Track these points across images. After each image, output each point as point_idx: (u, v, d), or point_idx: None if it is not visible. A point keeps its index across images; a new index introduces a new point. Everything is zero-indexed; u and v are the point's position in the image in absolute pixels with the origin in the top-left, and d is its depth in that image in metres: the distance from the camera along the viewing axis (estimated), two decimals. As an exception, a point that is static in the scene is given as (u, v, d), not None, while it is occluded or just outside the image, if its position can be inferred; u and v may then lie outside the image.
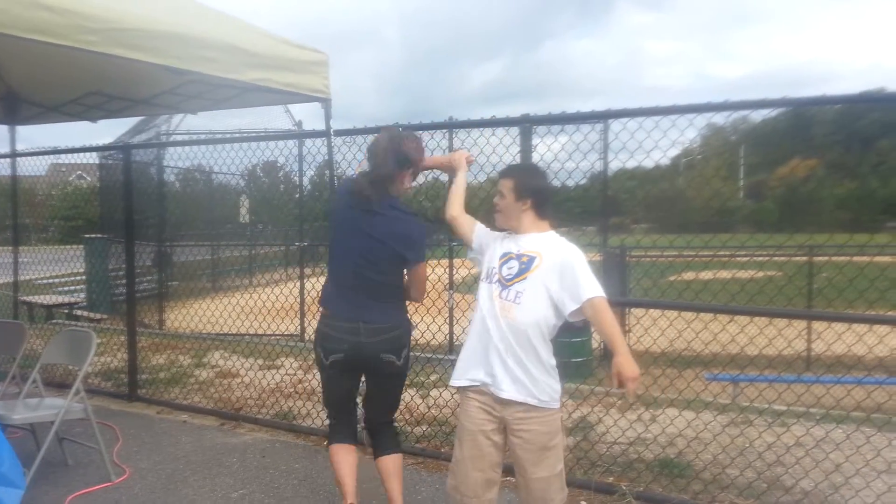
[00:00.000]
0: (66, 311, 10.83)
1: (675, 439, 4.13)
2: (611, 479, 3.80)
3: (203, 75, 3.77)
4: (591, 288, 2.61)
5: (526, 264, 2.70)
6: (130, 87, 5.03)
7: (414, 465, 4.22)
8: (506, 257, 2.76)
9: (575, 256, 2.71)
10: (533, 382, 2.62)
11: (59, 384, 5.64)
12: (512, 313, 2.65)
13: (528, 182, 2.80)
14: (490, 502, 2.73)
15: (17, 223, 6.99)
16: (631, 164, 5.46)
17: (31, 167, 7.00)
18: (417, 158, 3.19)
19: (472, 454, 2.71)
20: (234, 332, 7.72)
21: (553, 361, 2.71)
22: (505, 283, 2.70)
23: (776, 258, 11.64)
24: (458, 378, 2.78)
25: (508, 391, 2.63)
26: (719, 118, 3.94)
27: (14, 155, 6.41)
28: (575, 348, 8.27)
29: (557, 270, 2.66)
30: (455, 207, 3.08)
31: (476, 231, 2.98)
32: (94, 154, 11.94)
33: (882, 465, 3.70)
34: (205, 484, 3.96)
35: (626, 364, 2.48)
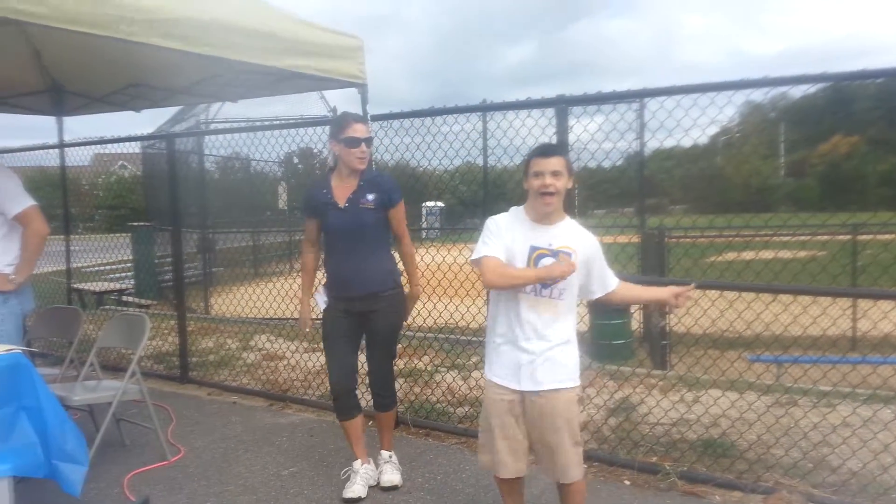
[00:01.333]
0: (115, 297, 11.14)
1: (719, 420, 4.12)
2: (654, 459, 3.82)
3: (241, 63, 3.84)
4: (613, 276, 2.86)
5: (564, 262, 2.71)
6: (171, 77, 5.13)
7: (457, 444, 4.29)
8: (539, 252, 2.72)
9: (597, 247, 2.82)
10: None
11: (113, 367, 5.83)
12: (554, 308, 2.72)
13: (566, 156, 2.78)
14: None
15: (67, 212, 7.19)
16: (669, 144, 5.41)
17: (76, 157, 7.20)
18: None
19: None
20: (277, 316, 7.86)
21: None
22: (545, 283, 2.70)
23: (819, 237, 11.41)
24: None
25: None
26: (758, 95, 3.88)
27: (62, 145, 6.60)
28: (615, 330, 8.26)
29: (587, 264, 2.77)
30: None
31: (500, 252, 2.81)
32: (136, 144, 12.27)
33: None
34: (256, 462, 4.09)
35: (669, 292, 2.80)
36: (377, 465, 3.70)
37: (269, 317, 8.05)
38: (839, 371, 5.55)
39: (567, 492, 2.82)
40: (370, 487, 3.61)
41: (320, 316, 3.62)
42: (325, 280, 3.61)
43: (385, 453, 3.73)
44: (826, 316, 5.51)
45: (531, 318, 2.71)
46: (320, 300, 3.58)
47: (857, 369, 6.18)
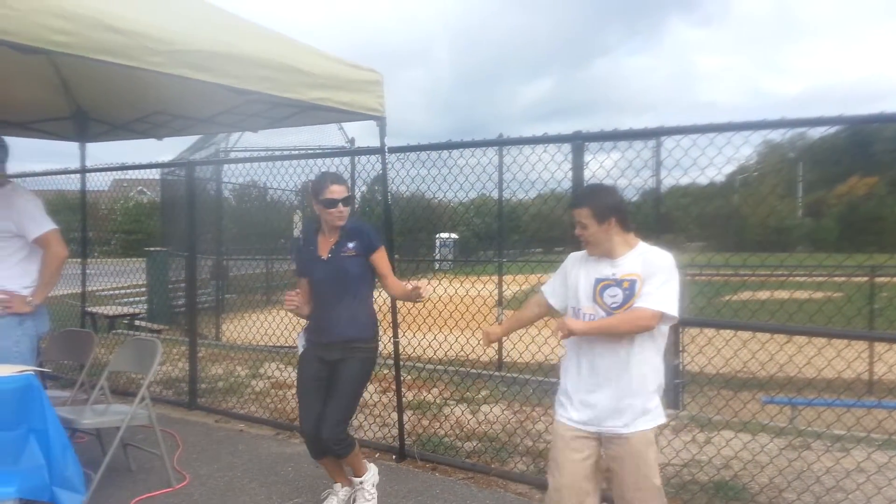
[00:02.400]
0: (126, 321, 11.21)
1: (731, 461, 4.06)
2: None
3: (263, 94, 3.90)
4: (647, 301, 2.62)
5: (629, 290, 2.68)
6: (193, 106, 5.23)
7: (464, 479, 4.24)
8: (603, 283, 2.72)
9: (660, 268, 2.68)
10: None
11: (122, 392, 5.85)
12: (623, 340, 2.67)
13: (605, 202, 2.73)
14: None
15: (85, 236, 7.28)
16: (685, 182, 5.40)
17: (95, 182, 7.31)
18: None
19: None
20: (288, 344, 7.87)
21: None
22: (611, 311, 2.69)
23: (835, 278, 11.31)
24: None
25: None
26: (776, 135, 3.91)
27: (84, 171, 6.70)
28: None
29: (647, 282, 2.66)
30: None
31: (551, 294, 2.96)
32: (155, 170, 12.44)
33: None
34: (261, 491, 4.07)
35: (575, 323, 2.69)
36: (353, 493, 3.73)
37: (279, 345, 8.08)
38: (854, 415, 5.46)
39: None
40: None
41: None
42: (306, 324, 3.71)
43: (356, 479, 3.74)
44: (841, 358, 5.46)
45: (600, 352, 2.70)
46: (300, 343, 3.68)
47: (871, 413, 6.09)
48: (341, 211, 3.50)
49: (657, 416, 2.73)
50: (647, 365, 2.70)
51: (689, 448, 4.35)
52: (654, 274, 2.66)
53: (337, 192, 3.48)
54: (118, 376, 6.06)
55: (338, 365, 3.54)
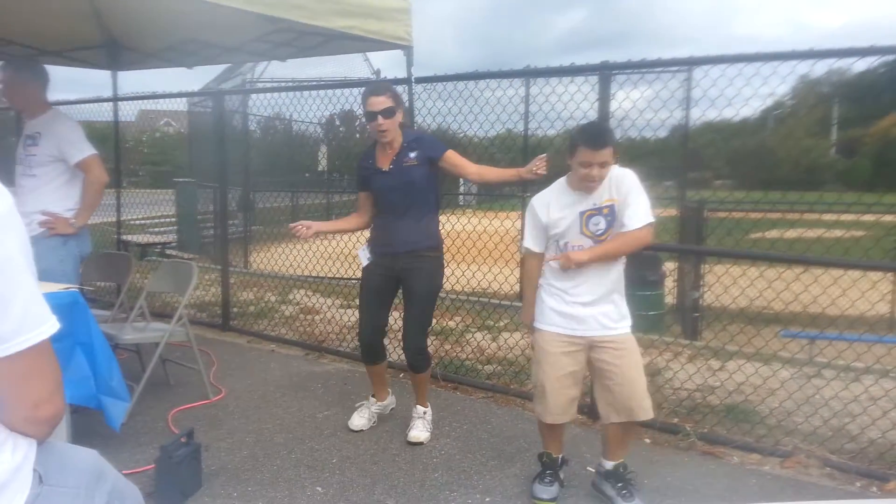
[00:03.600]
0: (158, 249, 11.50)
1: (742, 386, 4.19)
2: (675, 421, 3.92)
3: (293, 22, 3.95)
4: (630, 220, 2.82)
5: (610, 215, 2.87)
6: (223, 35, 5.27)
7: (484, 398, 4.44)
8: (587, 213, 2.89)
9: (630, 185, 2.84)
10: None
11: (157, 314, 6.09)
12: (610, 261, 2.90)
13: (613, 141, 2.84)
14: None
15: (119, 167, 7.43)
16: (715, 117, 5.35)
17: (122, 114, 7.36)
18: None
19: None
20: (314, 274, 8.08)
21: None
22: (598, 239, 2.88)
23: (864, 219, 11.16)
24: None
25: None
26: (811, 70, 3.80)
27: (116, 99, 6.81)
28: (649, 302, 8.29)
29: (624, 202, 2.85)
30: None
31: (535, 246, 3.06)
32: (182, 101, 12.51)
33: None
34: (293, 405, 4.30)
35: (578, 254, 2.85)
36: (411, 419, 3.85)
37: (306, 275, 8.29)
38: (874, 353, 5.53)
39: (623, 428, 3.01)
40: (400, 437, 3.81)
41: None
42: (369, 237, 3.74)
43: (420, 408, 3.85)
44: (864, 300, 5.50)
45: (587, 274, 2.89)
46: (363, 256, 3.70)
47: (891, 351, 6.14)
48: (381, 124, 3.43)
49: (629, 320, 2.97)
50: (619, 272, 2.95)
51: (703, 373, 4.49)
52: (629, 193, 2.83)
53: (375, 104, 3.41)
54: (154, 299, 6.31)
55: (407, 275, 3.58)
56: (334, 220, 3.83)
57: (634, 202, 2.83)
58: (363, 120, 3.95)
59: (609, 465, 3.09)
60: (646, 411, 2.89)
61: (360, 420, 3.89)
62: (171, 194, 13.25)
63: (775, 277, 4.62)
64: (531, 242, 3.06)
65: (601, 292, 2.90)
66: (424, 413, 3.86)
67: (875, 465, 3.39)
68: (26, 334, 1.14)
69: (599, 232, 2.88)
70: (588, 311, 2.91)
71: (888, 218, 10.61)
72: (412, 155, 3.51)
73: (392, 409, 4.09)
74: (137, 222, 12.24)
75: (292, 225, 3.56)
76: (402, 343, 3.71)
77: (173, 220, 13.32)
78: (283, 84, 12.30)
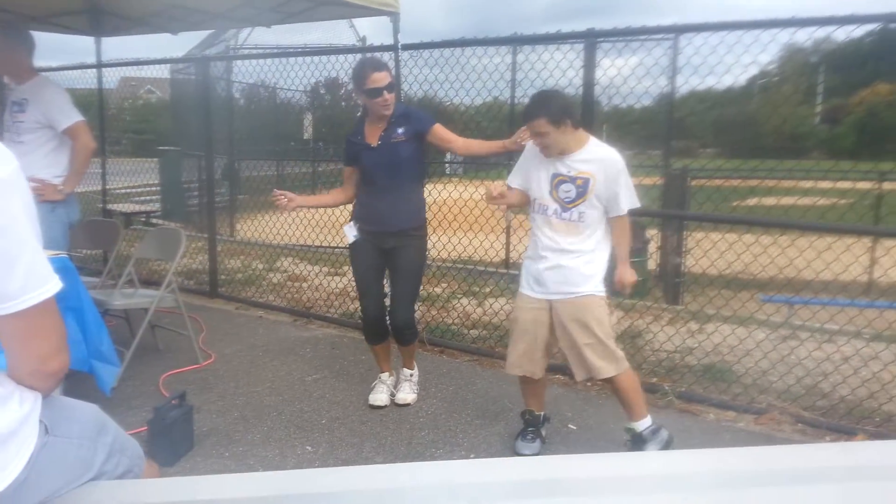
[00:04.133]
0: (143, 218, 11.46)
1: (719, 347, 4.32)
2: (654, 380, 4.05)
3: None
4: (622, 206, 2.97)
5: (582, 187, 2.96)
6: (209, 0, 5.24)
7: (470, 361, 4.55)
8: (557, 178, 2.99)
9: (619, 170, 2.95)
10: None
11: (145, 281, 6.12)
12: (575, 229, 2.99)
13: (557, 107, 2.91)
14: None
15: (103, 134, 7.39)
16: (700, 86, 5.40)
17: (104, 80, 7.30)
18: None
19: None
20: (300, 243, 8.12)
21: None
22: (565, 206, 2.98)
23: (840, 185, 11.34)
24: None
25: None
26: (797, 38, 3.85)
27: (100, 65, 6.75)
28: (633, 268, 8.41)
29: (606, 185, 2.94)
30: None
31: (520, 183, 3.17)
32: (164, 68, 12.35)
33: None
34: (282, 368, 4.39)
35: (626, 272, 3.04)
36: (398, 381, 3.95)
37: (292, 244, 8.33)
38: (847, 314, 5.70)
39: (612, 390, 3.13)
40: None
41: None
42: (354, 213, 3.75)
43: (406, 371, 3.95)
44: (839, 262, 5.64)
45: (555, 237, 3.01)
46: (349, 233, 3.71)
47: (863, 313, 6.32)
48: (386, 99, 3.42)
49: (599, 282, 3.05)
50: (594, 239, 3.03)
51: (682, 335, 4.62)
52: (617, 176, 2.93)
53: (379, 79, 3.39)
54: (141, 266, 6.33)
55: (394, 253, 3.62)
56: (318, 195, 3.83)
57: (622, 185, 2.95)
58: (349, 88, 3.94)
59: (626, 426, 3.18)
60: (600, 370, 2.98)
61: (381, 395, 3.84)
62: (154, 163, 13.14)
63: (753, 241, 4.73)
64: (512, 178, 3.19)
65: (565, 257, 3.00)
66: (411, 375, 3.96)
67: (844, 420, 3.54)
68: (31, 292, 1.19)
69: (568, 199, 2.98)
70: (549, 275, 3.02)
71: (864, 184, 10.78)
72: (400, 131, 3.52)
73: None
74: (121, 191, 12.17)
75: (275, 193, 3.57)
76: (390, 316, 3.75)
77: (157, 188, 13.23)
78: (268, 51, 12.17)
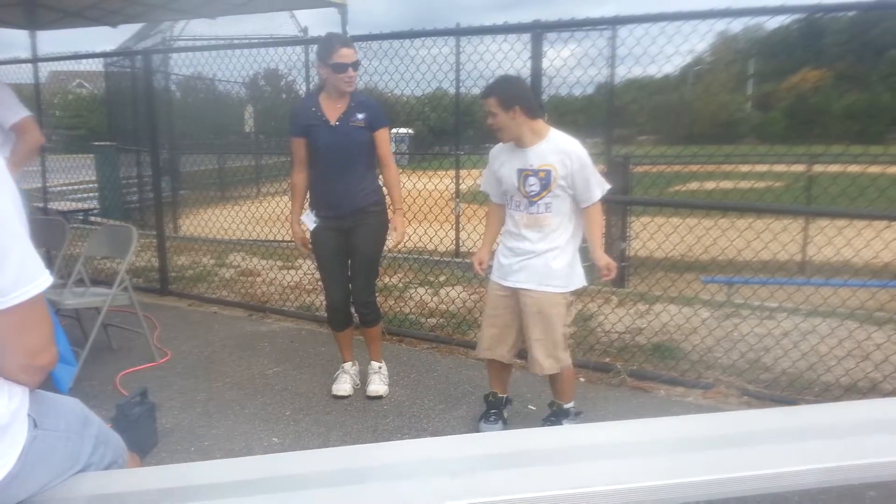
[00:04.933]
0: (80, 217, 11.12)
1: (667, 327, 4.51)
2: (607, 360, 4.20)
3: (225, -20, 3.92)
4: (595, 194, 3.07)
5: (545, 179, 3.03)
6: (150, -8, 5.16)
7: (429, 349, 4.62)
8: (523, 174, 3.07)
9: (580, 161, 3.02)
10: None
11: (92, 280, 5.98)
12: (543, 221, 3.07)
13: (510, 92, 3.02)
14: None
15: (41, 132, 7.13)
16: (639, 74, 5.58)
17: (31, 75, 7.07)
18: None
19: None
20: (249, 238, 8.03)
21: None
22: (531, 200, 3.06)
23: (776, 168, 11.83)
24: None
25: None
26: (729, 26, 4.05)
27: (36, 60, 6.54)
28: (585, 254, 8.61)
29: (571, 177, 3.02)
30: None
31: (494, 196, 3.30)
32: (97, 62, 11.98)
33: (858, 352, 4.07)
34: (241, 363, 4.38)
35: (603, 257, 3.09)
36: (367, 376, 3.94)
37: (241, 238, 8.24)
38: (786, 291, 6.00)
39: (550, 377, 3.26)
40: (355, 390, 3.92)
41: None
42: (310, 200, 3.73)
43: (375, 364, 3.94)
44: (776, 242, 5.93)
45: (522, 230, 3.10)
46: (309, 221, 3.69)
47: (801, 290, 6.65)
48: (351, 76, 3.46)
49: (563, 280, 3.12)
50: (564, 234, 3.10)
51: (631, 316, 4.79)
52: (582, 167, 3.02)
53: (346, 55, 3.42)
54: (87, 265, 6.17)
55: (353, 232, 3.64)
56: (293, 208, 3.76)
57: (588, 174, 3.03)
58: (289, 79, 3.90)
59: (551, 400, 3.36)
60: (542, 367, 3.12)
61: (344, 385, 3.87)
62: (89, 159, 12.74)
63: (695, 224, 4.93)
64: (486, 187, 3.33)
65: (533, 251, 3.09)
66: (380, 368, 3.95)
67: (786, 392, 3.75)
68: (24, 287, 1.21)
69: (533, 193, 3.05)
70: (516, 267, 3.12)
71: (798, 167, 11.27)
72: (360, 116, 3.54)
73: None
74: (56, 189, 11.79)
75: (302, 248, 3.76)
76: (351, 299, 3.79)
77: (94, 185, 12.85)
78: (207, 42, 11.92)
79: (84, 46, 7.38)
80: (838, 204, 6.52)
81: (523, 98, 3.02)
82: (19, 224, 1.22)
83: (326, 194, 3.64)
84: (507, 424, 3.43)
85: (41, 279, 1.24)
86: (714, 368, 4.04)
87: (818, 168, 10.58)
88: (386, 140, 3.66)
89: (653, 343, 4.43)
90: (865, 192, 4.68)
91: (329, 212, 3.65)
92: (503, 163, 3.14)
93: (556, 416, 3.31)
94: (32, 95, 6.94)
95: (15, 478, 1.26)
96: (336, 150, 3.55)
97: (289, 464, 1.44)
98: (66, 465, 1.39)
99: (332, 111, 3.56)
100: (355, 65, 3.48)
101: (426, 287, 5.99)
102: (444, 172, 8.82)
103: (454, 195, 9.18)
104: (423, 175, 6.11)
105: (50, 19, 5.95)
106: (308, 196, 3.75)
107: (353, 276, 3.76)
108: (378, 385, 3.88)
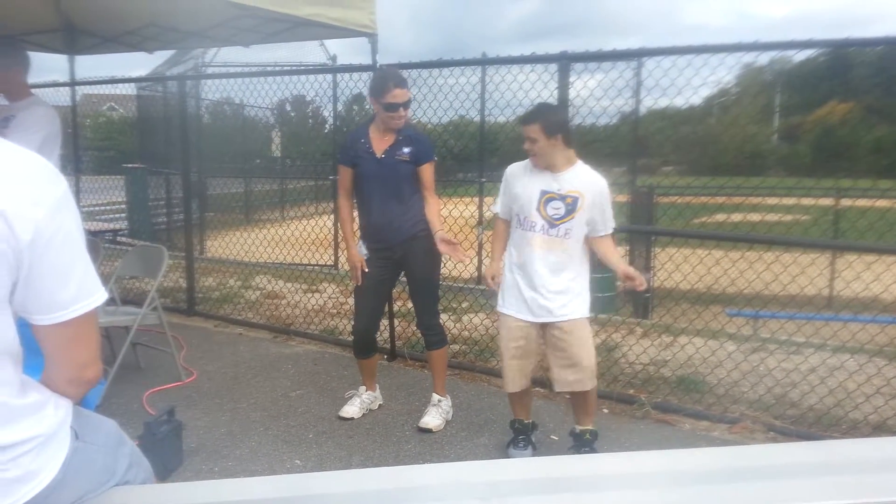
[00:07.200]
0: (109, 237, 11.32)
1: (692, 358, 4.47)
2: (631, 392, 4.17)
3: (259, 8, 4.00)
4: (609, 226, 3.16)
5: (571, 205, 3.08)
6: (186, 20, 5.28)
7: (451, 375, 4.61)
8: (548, 196, 3.09)
9: (605, 194, 3.13)
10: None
11: (121, 300, 6.08)
12: (562, 246, 3.10)
13: (554, 119, 3.08)
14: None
15: (77, 152, 7.34)
16: (664, 105, 5.61)
17: (65, 98, 7.25)
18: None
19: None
20: (273, 261, 8.12)
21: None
22: (553, 223, 3.08)
23: (803, 202, 11.74)
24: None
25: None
26: (755, 58, 4.09)
27: (74, 83, 6.72)
28: (603, 284, 8.57)
29: (593, 207, 3.09)
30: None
31: (504, 213, 3.32)
32: (130, 85, 12.26)
33: (888, 389, 4.01)
34: (265, 384, 4.42)
35: (629, 268, 3.12)
36: (427, 406, 3.88)
37: (268, 261, 8.34)
38: (813, 326, 5.92)
39: (577, 398, 3.28)
40: (372, 414, 3.94)
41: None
42: (360, 231, 3.78)
43: (435, 396, 3.88)
44: (804, 276, 5.87)
45: (541, 256, 3.11)
46: (360, 251, 3.74)
47: (829, 325, 6.57)
48: (402, 116, 3.54)
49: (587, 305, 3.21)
50: (578, 263, 3.17)
51: (655, 348, 4.76)
52: (603, 201, 3.11)
53: (399, 96, 3.49)
54: (116, 284, 6.28)
55: (405, 259, 3.68)
56: (347, 237, 3.80)
57: (606, 208, 3.12)
58: (315, 105, 3.96)
59: (577, 429, 3.35)
60: (580, 384, 3.15)
61: (352, 408, 3.90)
62: (118, 180, 13.00)
63: (721, 256, 4.90)
64: (499, 207, 3.33)
65: (557, 282, 3.12)
66: (440, 401, 3.87)
67: (814, 428, 3.69)
68: (82, 301, 1.25)
69: (557, 217, 3.09)
70: (537, 300, 3.13)
71: (826, 201, 11.18)
72: (406, 150, 3.59)
73: (380, 404, 4.07)
74: (85, 209, 12.02)
75: (359, 275, 3.69)
76: (416, 322, 3.86)
77: (123, 206, 13.08)
78: (239, 69, 12.15)
79: (116, 70, 7.58)
80: (867, 238, 6.47)
81: (565, 127, 3.12)
82: (82, 243, 1.27)
83: (373, 225, 3.70)
84: (536, 450, 3.42)
85: (98, 294, 1.29)
86: (740, 403, 4.00)
87: (846, 202, 10.49)
88: (429, 175, 3.67)
89: (677, 375, 4.39)
90: (895, 228, 4.64)
91: (378, 244, 3.70)
92: (525, 184, 3.15)
93: (590, 443, 3.32)
94: (69, 118, 7.13)
95: (58, 485, 1.30)
96: (380, 182, 3.61)
97: (318, 484, 1.46)
98: (104, 477, 1.43)
99: (380, 143, 3.63)
100: (406, 104, 3.55)
101: (449, 313, 5.99)
102: (468, 200, 8.90)
103: (478, 222, 9.24)
104: (446, 202, 6.15)
105: (89, 45, 6.11)
106: (357, 226, 3.81)
107: (414, 301, 3.80)
108: (430, 417, 3.79)
